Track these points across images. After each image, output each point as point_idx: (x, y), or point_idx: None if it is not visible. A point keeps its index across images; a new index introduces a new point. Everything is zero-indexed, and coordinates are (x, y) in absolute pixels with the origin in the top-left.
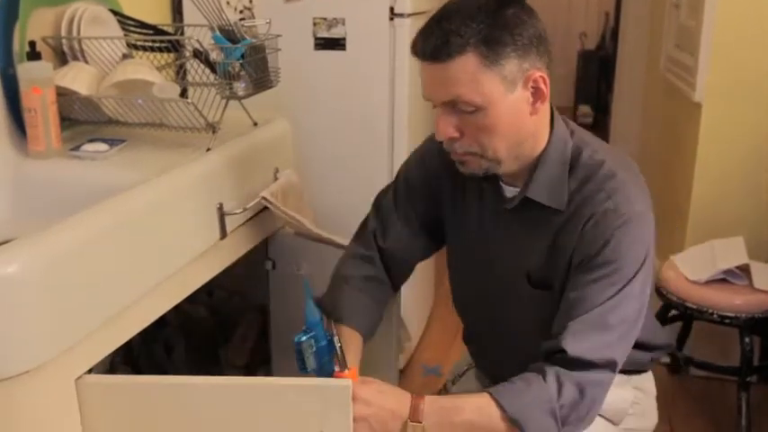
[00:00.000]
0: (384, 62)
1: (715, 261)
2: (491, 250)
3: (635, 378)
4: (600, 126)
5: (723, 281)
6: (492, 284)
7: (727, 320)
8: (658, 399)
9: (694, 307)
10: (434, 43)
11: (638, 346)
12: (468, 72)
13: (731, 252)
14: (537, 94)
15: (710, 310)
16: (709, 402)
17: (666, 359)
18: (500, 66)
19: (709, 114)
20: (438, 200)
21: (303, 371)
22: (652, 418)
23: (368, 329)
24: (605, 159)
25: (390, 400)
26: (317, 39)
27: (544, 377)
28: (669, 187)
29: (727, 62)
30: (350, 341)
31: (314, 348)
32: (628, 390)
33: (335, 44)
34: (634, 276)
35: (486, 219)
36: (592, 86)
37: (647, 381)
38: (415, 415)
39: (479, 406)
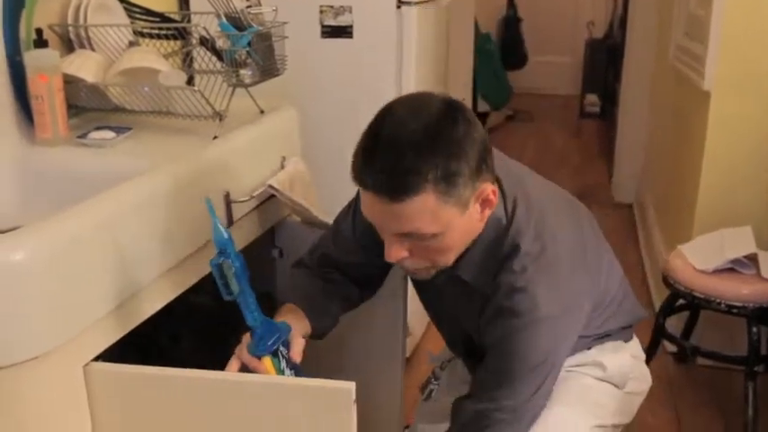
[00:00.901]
0: (391, 50)
1: (723, 250)
2: (444, 302)
3: (627, 345)
4: (607, 115)
5: (731, 270)
6: (452, 324)
7: (734, 310)
8: (665, 388)
9: (702, 296)
10: (388, 182)
11: (626, 326)
12: (428, 208)
13: (739, 241)
14: (485, 203)
15: (718, 300)
16: (716, 392)
17: (673, 348)
18: (455, 194)
19: (718, 103)
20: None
21: (229, 296)
22: (647, 380)
23: (317, 318)
24: (521, 246)
25: None
26: (323, 26)
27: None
28: (677, 176)
29: (736, 51)
30: (295, 317)
31: (233, 269)
32: (627, 355)
33: (342, 32)
34: (527, 374)
35: (426, 282)
36: (599, 75)
37: (636, 346)
38: None
39: None
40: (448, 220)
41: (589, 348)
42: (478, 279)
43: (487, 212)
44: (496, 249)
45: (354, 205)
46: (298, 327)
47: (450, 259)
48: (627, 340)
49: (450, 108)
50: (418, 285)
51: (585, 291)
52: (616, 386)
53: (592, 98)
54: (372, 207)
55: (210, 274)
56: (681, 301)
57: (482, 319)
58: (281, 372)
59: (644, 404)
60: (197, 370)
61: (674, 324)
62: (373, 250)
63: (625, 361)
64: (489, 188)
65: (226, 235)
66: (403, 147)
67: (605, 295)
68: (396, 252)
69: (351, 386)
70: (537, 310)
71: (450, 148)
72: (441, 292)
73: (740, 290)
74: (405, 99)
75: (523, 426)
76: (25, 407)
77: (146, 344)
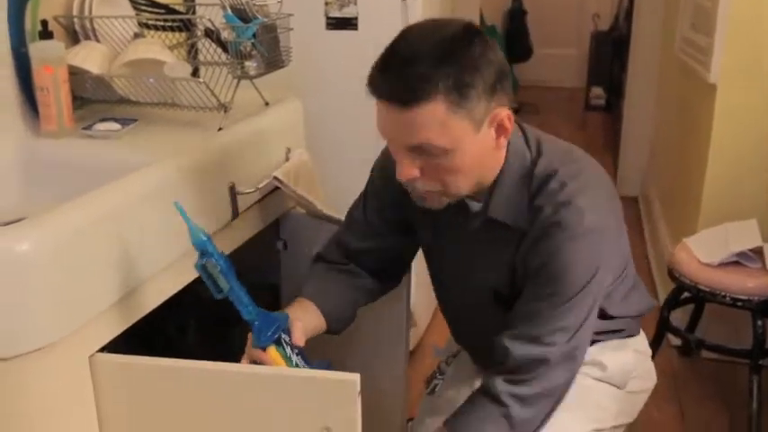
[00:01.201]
0: None
1: (728, 243)
2: (459, 265)
3: (631, 341)
4: (613, 108)
5: (736, 263)
6: (463, 296)
7: (739, 303)
8: (670, 381)
9: (707, 289)
10: (400, 87)
11: (634, 317)
12: (438, 118)
13: (745, 234)
14: (500, 130)
15: (723, 293)
16: (721, 385)
17: (678, 341)
18: (468, 108)
19: (724, 96)
20: (406, 209)
21: (220, 294)
22: (652, 378)
23: (331, 311)
24: (558, 169)
25: None
26: (328, 18)
27: (491, 397)
28: (683, 169)
29: (742, 43)
30: (302, 308)
31: (218, 268)
32: (629, 353)
33: (347, 24)
34: (579, 292)
35: (453, 234)
36: (605, 68)
37: (642, 342)
38: None
39: None
40: (459, 134)
41: (591, 344)
42: (512, 214)
43: (503, 141)
44: (527, 180)
45: (365, 190)
46: (307, 320)
47: (461, 186)
48: (633, 334)
49: (469, 31)
50: (440, 254)
51: (620, 231)
52: (617, 386)
53: (597, 91)
54: (386, 118)
55: None
56: (686, 294)
57: (519, 254)
58: (288, 359)
59: (648, 397)
60: (202, 361)
61: (679, 317)
62: (385, 235)
63: (627, 359)
64: (505, 113)
65: (204, 236)
66: (416, 57)
67: (623, 268)
68: (407, 169)
69: (355, 378)
70: (584, 221)
71: (463, 62)
72: (467, 249)
73: (745, 283)
74: (424, 21)
75: (578, 364)
76: (31, 398)
77: (152, 335)
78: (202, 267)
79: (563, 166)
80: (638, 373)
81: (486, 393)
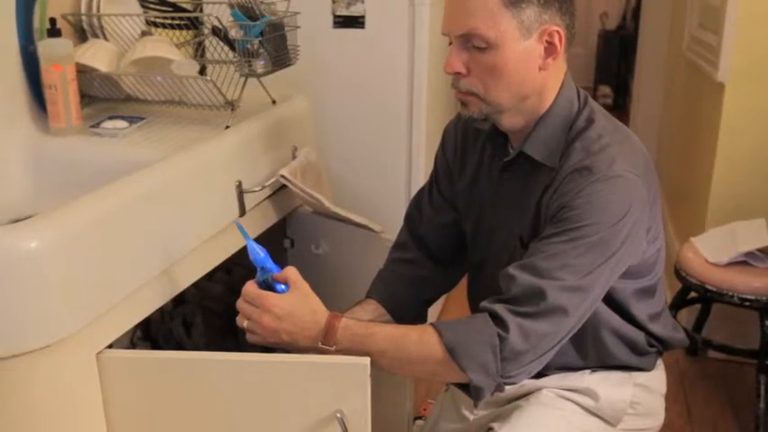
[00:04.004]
0: (403, 40)
1: (736, 243)
2: (493, 216)
3: (638, 375)
4: (620, 107)
5: (743, 263)
6: (494, 253)
7: (746, 303)
8: (676, 381)
9: (714, 289)
10: None
11: (662, 339)
12: (488, 7)
13: (752, 234)
14: (550, 49)
15: (730, 293)
16: (727, 385)
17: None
18: (520, 9)
19: (733, 94)
20: (455, 179)
21: None
22: (657, 417)
23: (389, 300)
24: (596, 120)
25: (306, 317)
26: (335, 17)
27: (490, 315)
28: (690, 168)
29: (751, 42)
30: (362, 306)
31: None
32: (627, 388)
33: (354, 22)
34: (598, 234)
35: (491, 180)
36: (612, 67)
37: (655, 379)
38: (327, 338)
39: (401, 334)
40: (505, 31)
41: (593, 371)
42: (545, 153)
43: (550, 62)
44: (567, 127)
45: (434, 167)
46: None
47: (501, 94)
48: (647, 368)
49: None
50: (474, 209)
51: (653, 205)
52: (607, 422)
53: (604, 89)
54: (445, 5)
55: (223, 262)
56: (693, 294)
57: (544, 196)
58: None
59: None
60: (210, 352)
61: (686, 317)
62: (443, 209)
63: (624, 397)
64: (556, 29)
65: (261, 252)
66: None
67: (650, 267)
68: (453, 60)
69: (366, 361)
70: (613, 166)
71: None
72: (499, 195)
73: (752, 283)
74: None
75: (580, 312)
76: (39, 394)
77: (158, 330)
78: (264, 282)
79: (605, 121)
80: (640, 410)
81: (484, 310)
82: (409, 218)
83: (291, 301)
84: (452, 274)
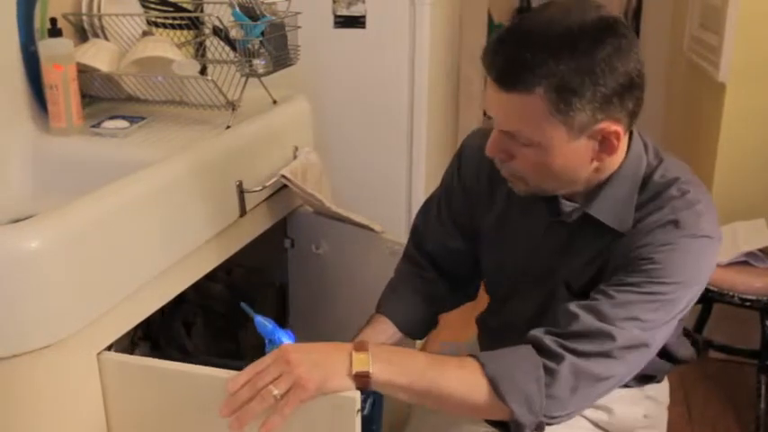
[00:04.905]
0: (404, 40)
1: (737, 243)
2: (531, 257)
3: (649, 388)
4: None
5: (744, 263)
6: (525, 292)
7: (747, 303)
8: (677, 381)
9: (714, 289)
10: (504, 67)
11: (662, 355)
12: (532, 112)
13: (753, 234)
14: (605, 145)
15: (731, 293)
16: (728, 385)
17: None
18: (569, 117)
19: (734, 95)
20: (476, 208)
21: None
22: (662, 429)
23: (402, 318)
24: (679, 176)
25: (329, 345)
26: (336, 17)
27: (535, 346)
28: (691, 168)
29: (752, 42)
30: (373, 325)
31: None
32: (641, 403)
33: (355, 22)
34: (674, 292)
35: (535, 229)
36: None
37: (662, 390)
38: (359, 346)
39: (441, 358)
40: (551, 135)
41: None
42: (615, 216)
43: (605, 157)
44: (639, 186)
45: (439, 186)
46: (379, 339)
47: (546, 186)
48: (658, 381)
49: (605, 25)
50: (503, 243)
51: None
52: None
53: None
54: (490, 92)
55: (223, 262)
56: None
57: (611, 252)
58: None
59: None
60: (206, 368)
61: (687, 317)
62: (453, 233)
63: (637, 414)
64: (614, 128)
65: (269, 325)
66: (532, 41)
67: None
68: (493, 147)
69: (355, 395)
70: (701, 224)
71: (579, 63)
72: (544, 242)
73: (753, 283)
74: (568, 2)
75: (637, 366)
76: (40, 394)
77: (158, 330)
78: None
79: (684, 175)
80: (645, 423)
81: (532, 340)
82: (416, 232)
83: (308, 343)
84: (468, 291)
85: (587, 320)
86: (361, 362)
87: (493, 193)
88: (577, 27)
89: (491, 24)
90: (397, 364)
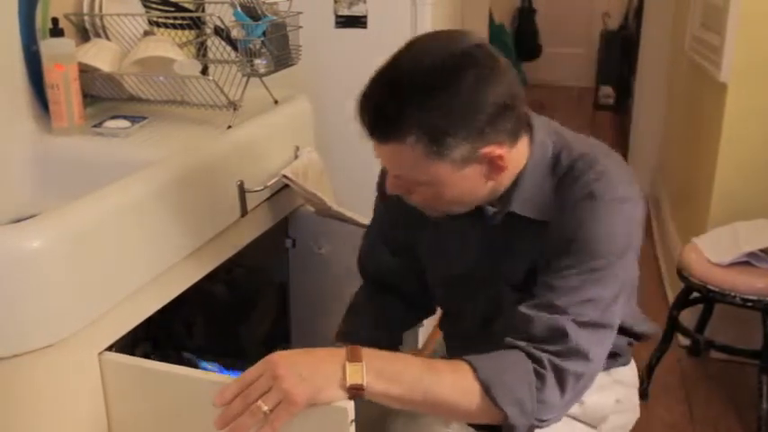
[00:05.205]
0: (405, 40)
1: (738, 243)
2: (475, 262)
3: (616, 372)
4: (622, 107)
5: (746, 264)
6: (475, 300)
7: (749, 303)
8: (678, 381)
9: (716, 290)
10: (374, 121)
11: (636, 334)
12: (412, 158)
13: (755, 234)
14: (492, 167)
15: (733, 293)
16: (729, 386)
17: (687, 342)
18: (446, 155)
19: (735, 95)
20: (409, 227)
21: None
22: (634, 411)
23: (355, 342)
24: (584, 151)
25: (321, 350)
26: (338, 17)
27: (527, 354)
28: (692, 168)
29: (754, 41)
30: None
31: None
32: (612, 390)
33: (356, 22)
34: (612, 262)
35: (460, 234)
36: (614, 67)
37: (630, 373)
38: (354, 353)
39: (432, 362)
40: (436, 174)
41: None
42: (536, 207)
43: (497, 176)
44: (551, 171)
45: (375, 211)
46: None
47: (453, 209)
48: (624, 363)
49: (465, 60)
50: (443, 254)
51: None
52: (590, 425)
53: (606, 90)
54: (373, 141)
55: (224, 263)
56: (695, 295)
57: (543, 242)
58: None
59: (656, 398)
60: (205, 372)
61: (688, 317)
62: (392, 254)
63: (608, 401)
64: (497, 152)
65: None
66: (394, 92)
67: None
68: (391, 186)
69: (347, 406)
70: (618, 190)
71: (444, 104)
72: (479, 247)
73: (755, 283)
74: (429, 37)
75: (607, 346)
76: (41, 393)
77: (159, 330)
78: None
79: (589, 148)
80: (621, 407)
81: (511, 346)
82: (360, 259)
83: (298, 352)
84: (425, 305)
85: (543, 320)
86: (356, 374)
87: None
88: (435, 68)
89: (492, 25)
90: (391, 374)
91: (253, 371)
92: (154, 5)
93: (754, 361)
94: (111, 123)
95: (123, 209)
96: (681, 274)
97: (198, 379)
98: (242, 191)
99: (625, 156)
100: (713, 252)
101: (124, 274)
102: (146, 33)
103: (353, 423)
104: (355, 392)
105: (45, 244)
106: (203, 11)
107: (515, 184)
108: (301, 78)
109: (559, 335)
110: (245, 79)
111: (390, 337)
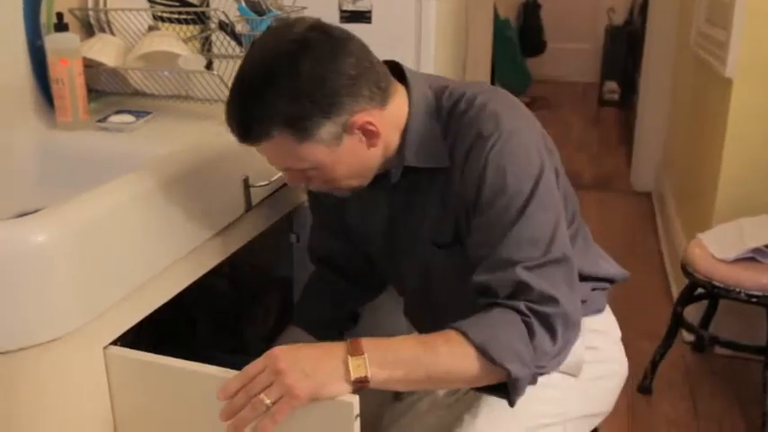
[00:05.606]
0: (410, 36)
1: (743, 239)
2: (392, 229)
3: (590, 321)
4: (626, 103)
5: (751, 259)
6: (406, 260)
7: (753, 299)
8: (683, 377)
9: (721, 285)
10: (236, 127)
11: (599, 279)
12: (283, 151)
13: (760, 230)
14: (368, 134)
15: (737, 289)
16: (734, 381)
17: (691, 337)
18: (315, 137)
19: (740, 90)
20: (335, 210)
21: None
22: (619, 361)
23: (316, 327)
24: (464, 91)
25: (321, 346)
26: (342, 11)
27: (509, 307)
28: (697, 164)
29: (760, 37)
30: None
31: None
32: (584, 336)
33: (361, 17)
34: (530, 196)
35: (377, 204)
36: (619, 62)
37: (607, 321)
38: (354, 345)
39: (426, 337)
40: (315, 157)
41: None
42: (430, 155)
43: (378, 141)
44: (435, 116)
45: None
46: None
47: (355, 182)
48: (598, 309)
49: (298, 44)
50: (372, 231)
51: (548, 147)
52: (568, 374)
53: (611, 85)
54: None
55: (228, 258)
56: (699, 290)
57: (451, 192)
58: None
59: (661, 393)
60: (210, 366)
61: (693, 313)
62: (333, 238)
63: (578, 346)
64: (364, 119)
65: None
66: (246, 93)
67: (567, 206)
68: (292, 179)
69: (353, 400)
70: (502, 122)
71: (290, 92)
72: (394, 212)
73: (760, 279)
74: (266, 34)
75: (572, 278)
76: (46, 387)
77: (161, 326)
78: None
79: (468, 87)
80: (600, 356)
81: (495, 305)
82: (308, 246)
83: (300, 347)
84: (372, 284)
85: (500, 279)
86: (359, 367)
87: (341, 200)
88: (272, 61)
89: (497, 20)
90: (392, 360)
91: (255, 365)
92: (158, 0)
93: (758, 357)
94: (115, 118)
95: (128, 204)
96: (685, 269)
97: (202, 373)
98: (247, 186)
99: (629, 151)
100: (718, 248)
101: (129, 269)
102: (150, 28)
103: (358, 418)
104: (360, 385)
105: (50, 238)
106: (208, 6)
107: (403, 138)
108: None
109: (523, 287)
110: None
111: (343, 316)
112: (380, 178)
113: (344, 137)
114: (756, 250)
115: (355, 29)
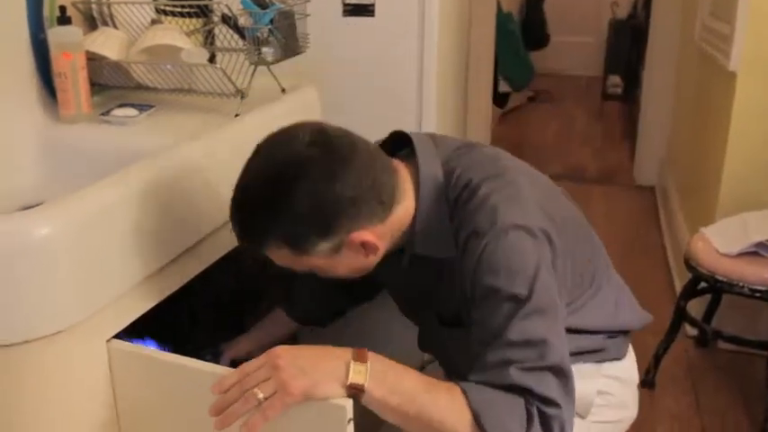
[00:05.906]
0: (413, 29)
1: (747, 233)
2: (407, 286)
3: (608, 367)
4: (630, 97)
5: (754, 254)
6: (414, 315)
7: (757, 294)
8: (685, 372)
9: (724, 280)
10: (238, 234)
11: (612, 332)
12: (283, 259)
13: (763, 224)
14: (367, 247)
15: (740, 283)
16: (737, 376)
17: (694, 332)
18: (314, 252)
19: (744, 84)
20: None
21: None
22: (630, 407)
23: (302, 314)
24: (471, 178)
25: (325, 348)
26: (345, 5)
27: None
28: (701, 158)
29: (764, 31)
30: (271, 320)
31: None
32: (596, 379)
33: (364, 10)
34: (528, 296)
35: (389, 272)
36: (623, 56)
37: (626, 369)
38: (359, 354)
39: (431, 380)
40: (315, 265)
41: None
42: (436, 245)
43: (377, 250)
44: (444, 201)
45: None
46: (280, 332)
47: (357, 275)
48: (615, 357)
49: (303, 165)
50: (384, 279)
51: (566, 232)
52: (577, 414)
53: (614, 79)
54: None
55: (231, 251)
56: (703, 285)
57: (457, 281)
58: None
59: (663, 388)
60: (209, 363)
61: (696, 307)
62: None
63: (590, 390)
64: (360, 237)
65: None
66: (246, 207)
67: (588, 276)
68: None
69: (346, 404)
70: (497, 219)
71: (289, 214)
72: (404, 283)
73: (763, 273)
74: (267, 144)
75: (570, 385)
76: (50, 380)
77: (164, 320)
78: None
79: (475, 172)
80: (612, 401)
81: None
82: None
83: (302, 347)
84: (366, 294)
85: (494, 376)
86: (359, 374)
87: None
88: (273, 180)
89: (500, 13)
90: (392, 382)
91: (255, 362)
92: None
93: (761, 352)
94: (118, 111)
95: (131, 197)
96: (689, 264)
97: (203, 369)
98: None
99: (633, 145)
100: (721, 242)
101: (132, 263)
102: (153, 22)
103: (351, 422)
104: (354, 392)
105: (53, 231)
106: None
107: (412, 226)
108: (309, 67)
109: (519, 390)
110: (252, 68)
111: (332, 313)
112: (393, 253)
113: (343, 250)
114: (760, 244)
115: (359, 22)
